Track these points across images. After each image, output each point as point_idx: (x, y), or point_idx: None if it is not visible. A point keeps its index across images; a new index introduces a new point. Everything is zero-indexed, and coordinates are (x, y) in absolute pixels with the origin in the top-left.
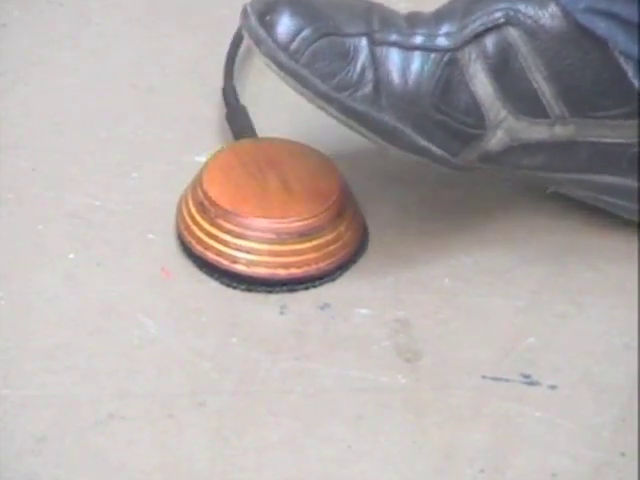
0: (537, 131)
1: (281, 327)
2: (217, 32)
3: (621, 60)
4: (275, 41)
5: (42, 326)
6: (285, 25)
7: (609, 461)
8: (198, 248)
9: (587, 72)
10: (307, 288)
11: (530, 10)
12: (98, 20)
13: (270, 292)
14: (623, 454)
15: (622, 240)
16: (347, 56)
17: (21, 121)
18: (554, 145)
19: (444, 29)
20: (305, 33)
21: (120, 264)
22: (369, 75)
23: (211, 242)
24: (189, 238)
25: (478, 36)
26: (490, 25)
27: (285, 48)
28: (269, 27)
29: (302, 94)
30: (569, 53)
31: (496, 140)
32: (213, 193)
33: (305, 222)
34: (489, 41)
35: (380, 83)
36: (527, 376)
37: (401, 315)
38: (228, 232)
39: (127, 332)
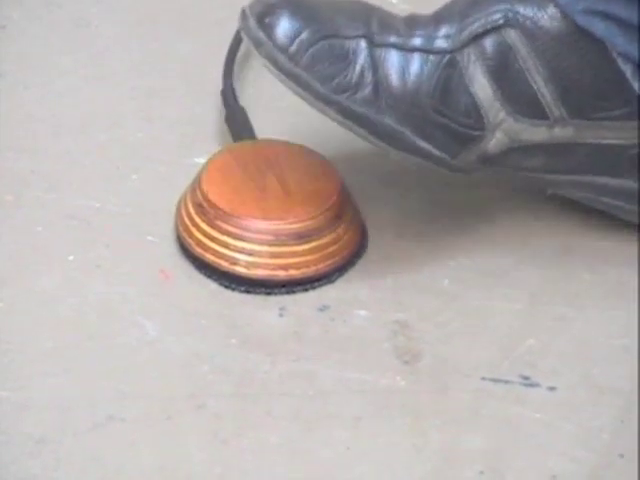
0: (536, 132)
1: (280, 329)
2: (216, 34)
3: (619, 61)
4: (274, 43)
5: (41, 328)
6: (284, 27)
7: (608, 463)
8: (197, 250)
9: (586, 74)
10: (306, 290)
11: (529, 11)
12: (97, 23)
13: (269, 294)
14: (622, 456)
15: (621, 242)
16: (346, 58)
17: (20, 123)
18: (553, 146)
19: (443, 31)
20: (304, 35)
21: (119, 266)
22: (368, 77)
23: (210, 244)
24: (188, 240)
25: (477, 38)
26: (489, 27)
27: (284, 50)
28: (268, 29)
29: (301, 96)
30: (568, 54)
31: (495, 142)
32: (212, 195)
33: (304, 224)
34: (488, 43)
35: (379, 85)
36: (526, 378)
37: (400, 317)
38: (227, 234)
39: (126, 334)
